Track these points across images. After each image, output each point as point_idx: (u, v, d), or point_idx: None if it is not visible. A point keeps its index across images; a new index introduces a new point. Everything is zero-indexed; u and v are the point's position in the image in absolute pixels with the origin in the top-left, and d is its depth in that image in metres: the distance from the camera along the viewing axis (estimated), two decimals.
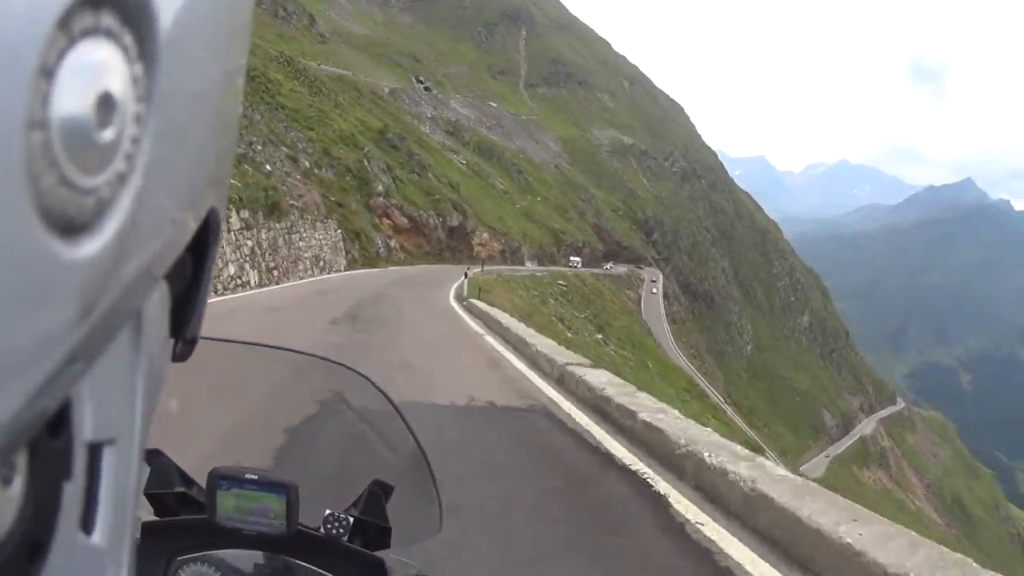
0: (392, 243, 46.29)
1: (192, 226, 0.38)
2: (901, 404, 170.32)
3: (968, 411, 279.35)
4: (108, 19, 0.28)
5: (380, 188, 47.77)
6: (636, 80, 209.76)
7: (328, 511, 1.19)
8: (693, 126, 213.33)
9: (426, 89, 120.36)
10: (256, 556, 1.17)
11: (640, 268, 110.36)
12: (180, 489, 1.21)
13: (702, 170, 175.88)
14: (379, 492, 1.21)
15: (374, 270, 36.94)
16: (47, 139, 0.25)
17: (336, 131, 47.85)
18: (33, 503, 0.30)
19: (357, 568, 1.17)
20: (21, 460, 0.29)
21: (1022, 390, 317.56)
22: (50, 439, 0.31)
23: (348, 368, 1.30)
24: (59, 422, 0.31)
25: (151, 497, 1.20)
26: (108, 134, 0.28)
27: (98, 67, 0.27)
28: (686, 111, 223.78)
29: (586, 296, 58.11)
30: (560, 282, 53.55)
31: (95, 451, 0.34)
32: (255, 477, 1.10)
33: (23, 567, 0.30)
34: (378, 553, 1.19)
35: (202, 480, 1.16)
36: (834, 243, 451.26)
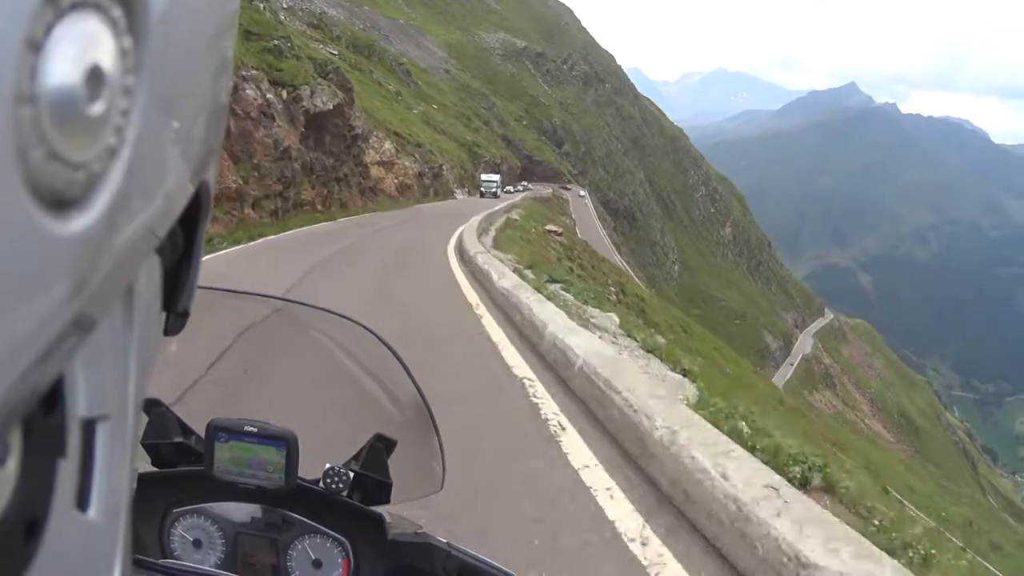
0: None
1: (183, 199, 0.38)
2: (830, 315, 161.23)
3: (873, 312, 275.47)
4: None
5: None
6: None
7: (328, 465, 1.17)
8: (587, 29, 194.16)
9: None
10: (253, 509, 1.17)
11: (567, 188, 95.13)
12: (178, 439, 1.20)
13: (604, 73, 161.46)
14: (380, 446, 1.20)
15: None
16: (36, 113, 0.25)
17: None
18: (28, 481, 0.30)
19: (356, 523, 1.17)
20: (15, 438, 0.29)
21: (922, 288, 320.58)
22: (43, 416, 0.31)
23: (350, 320, 1.29)
24: (52, 399, 0.31)
25: (148, 447, 1.19)
26: (97, 107, 0.28)
27: (86, 40, 0.27)
28: (575, 14, 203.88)
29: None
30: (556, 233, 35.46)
31: (89, 427, 0.34)
32: (254, 429, 1.09)
33: (19, 545, 0.30)
34: (377, 508, 1.18)
35: (200, 430, 1.15)
36: (716, 150, 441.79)
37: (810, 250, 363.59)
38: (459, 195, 56.68)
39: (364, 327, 1.26)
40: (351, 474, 1.17)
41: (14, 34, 0.24)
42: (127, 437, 0.37)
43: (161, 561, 1.13)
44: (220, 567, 1.17)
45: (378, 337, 1.25)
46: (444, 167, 55.67)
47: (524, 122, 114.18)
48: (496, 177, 63.67)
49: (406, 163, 45.89)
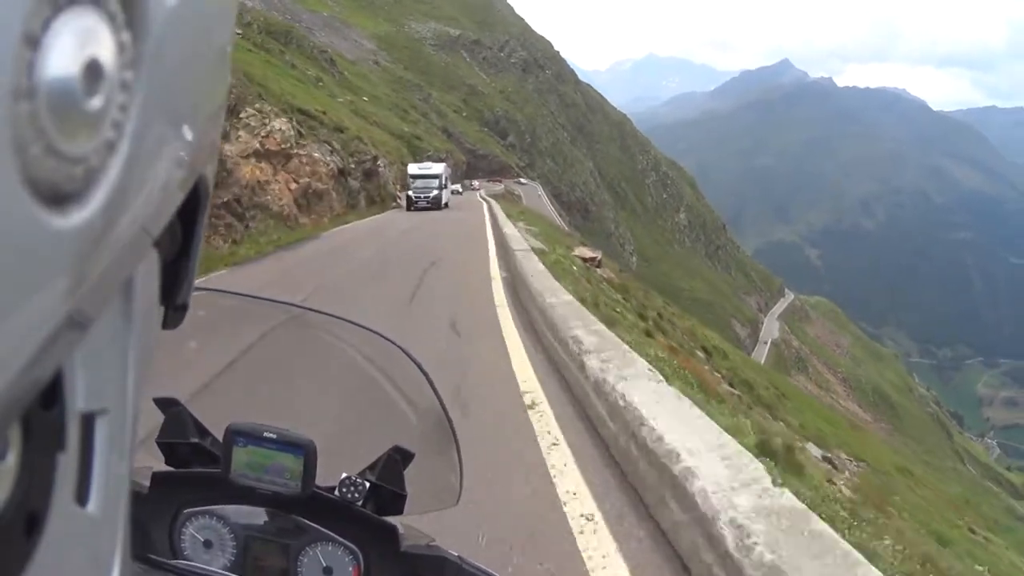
0: None
1: (181, 193, 0.38)
2: (791, 296, 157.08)
3: (823, 286, 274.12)
4: None
5: None
6: None
7: (344, 474, 1.17)
8: (521, 16, 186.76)
9: None
10: (266, 513, 1.17)
11: (519, 183, 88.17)
12: (194, 440, 1.20)
13: (544, 59, 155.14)
14: (398, 458, 1.20)
15: None
16: (34, 109, 0.25)
17: None
18: (28, 475, 0.30)
19: (369, 533, 1.16)
20: (15, 433, 0.29)
21: (872, 258, 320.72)
22: (43, 411, 0.31)
23: (374, 332, 1.28)
24: (51, 393, 0.31)
25: (163, 446, 1.20)
26: (96, 102, 0.28)
27: (84, 35, 0.27)
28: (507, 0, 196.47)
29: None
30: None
31: (88, 421, 0.34)
32: (273, 435, 1.09)
33: (20, 539, 0.30)
34: (391, 520, 1.18)
35: (217, 432, 1.15)
36: (652, 135, 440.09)
37: (753, 228, 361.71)
38: (400, 198, 41.83)
39: (389, 340, 1.25)
40: (367, 484, 1.17)
41: (12, 29, 0.24)
42: (126, 431, 0.37)
43: (171, 561, 1.14)
44: (230, 569, 1.17)
45: (402, 350, 1.24)
46: (380, 161, 40.23)
47: (464, 113, 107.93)
48: (439, 168, 41.22)
49: (316, 154, 28.96)
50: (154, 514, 1.16)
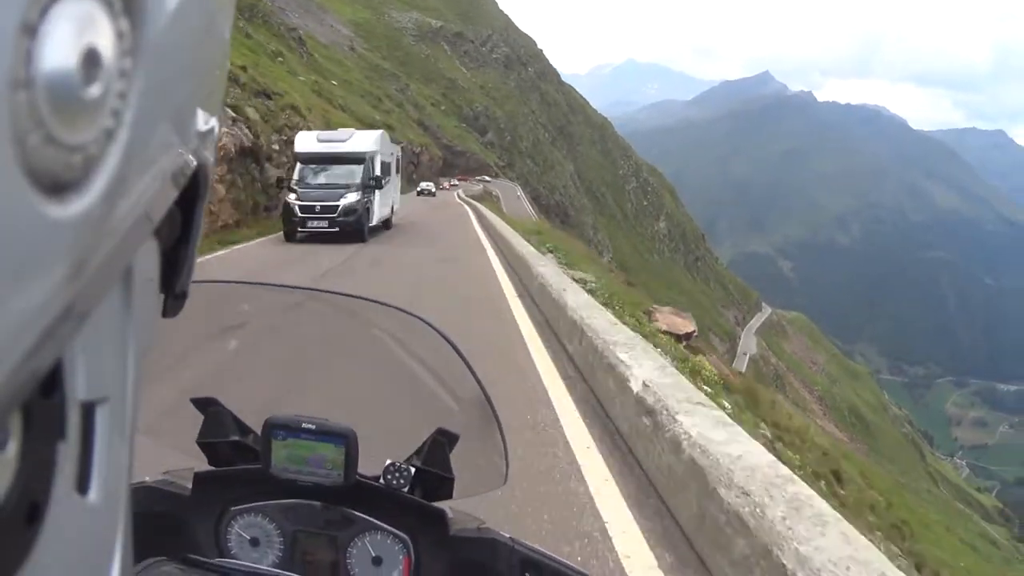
0: None
1: (180, 180, 0.38)
2: (768, 310, 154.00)
3: (796, 299, 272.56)
4: None
5: None
6: None
7: (389, 461, 1.16)
8: (505, 14, 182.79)
9: None
10: (312, 507, 1.16)
11: (485, 180, 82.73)
12: (235, 438, 1.20)
13: (527, 56, 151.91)
14: (443, 440, 1.18)
15: None
16: (32, 98, 0.25)
17: None
18: (28, 464, 0.30)
19: (417, 519, 1.15)
20: (15, 422, 0.29)
21: (846, 273, 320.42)
22: (43, 399, 0.31)
23: (408, 313, 1.26)
24: (51, 382, 0.31)
25: (205, 446, 1.20)
26: (94, 90, 0.28)
27: (82, 22, 0.27)
28: None
29: None
30: None
31: (88, 410, 0.34)
32: (312, 427, 1.09)
33: (21, 529, 0.30)
34: (439, 504, 1.17)
35: (258, 428, 1.14)
36: (630, 140, 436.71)
37: (728, 239, 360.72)
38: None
39: (423, 320, 1.24)
40: (412, 470, 1.16)
41: (9, 18, 0.24)
42: (127, 419, 0.38)
43: (215, 560, 1.14)
44: (278, 565, 1.17)
45: (437, 330, 1.23)
46: None
47: (442, 107, 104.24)
48: (366, 142, 19.90)
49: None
50: (199, 515, 1.17)
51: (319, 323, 1.48)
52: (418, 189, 54.24)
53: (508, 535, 1.13)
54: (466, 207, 38.18)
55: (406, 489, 1.15)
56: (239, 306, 1.40)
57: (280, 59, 48.21)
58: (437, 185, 61.22)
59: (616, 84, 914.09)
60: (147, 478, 1.16)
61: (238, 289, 1.50)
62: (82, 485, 0.34)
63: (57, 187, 0.27)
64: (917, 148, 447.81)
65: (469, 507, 1.23)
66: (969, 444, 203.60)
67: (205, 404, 1.19)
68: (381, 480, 1.15)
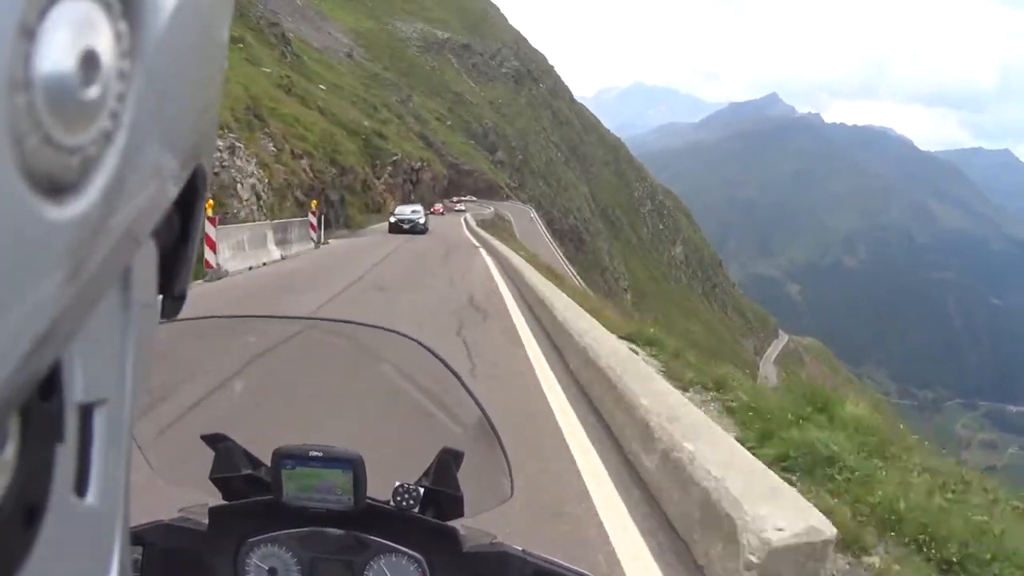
0: None
1: (179, 182, 0.37)
2: (785, 337, 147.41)
3: (803, 322, 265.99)
4: None
5: None
6: None
7: (398, 483, 1.17)
8: (516, 29, 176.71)
9: None
10: (326, 533, 1.18)
11: (467, 201, 73.98)
12: (247, 471, 1.21)
13: (538, 72, 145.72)
14: (449, 459, 1.20)
15: None
16: (30, 100, 0.25)
17: None
18: (26, 467, 0.30)
19: (430, 538, 1.17)
20: (13, 424, 0.29)
21: (853, 295, 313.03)
22: (41, 402, 0.31)
23: (403, 335, 1.27)
24: (49, 384, 0.31)
25: (218, 481, 1.21)
26: (93, 92, 0.27)
27: (81, 24, 0.27)
28: (502, 11, 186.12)
29: None
30: None
31: (86, 412, 0.34)
32: (319, 454, 1.10)
33: (19, 531, 0.30)
34: (451, 522, 1.18)
35: (267, 460, 1.17)
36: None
37: (736, 261, 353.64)
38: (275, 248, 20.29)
39: (417, 342, 1.25)
40: (421, 490, 1.18)
41: (8, 20, 0.24)
42: (125, 421, 0.38)
43: None
44: None
45: (431, 352, 1.24)
46: (305, 165, 29.28)
47: (448, 122, 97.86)
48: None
49: None
50: (217, 549, 1.18)
51: (319, 351, 1.50)
52: (392, 218, 37.02)
53: (520, 548, 1.14)
54: (494, 270, 20.40)
55: (416, 509, 1.17)
56: (244, 339, 1.43)
57: (240, 46, 40.92)
58: (434, 210, 49.83)
59: (623, 107, 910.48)
60: (164, 518, 1.19)
61: (242, 323, 1.52)
62: (80, 487, 0.34)
63: (55, 189, 0.27)
64: (924, 168, 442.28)
65: (483, 524, 1.25)
66: (979, 467, 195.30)
67: (215, 440, 1.21)
68: (391, 502, 1.17)
